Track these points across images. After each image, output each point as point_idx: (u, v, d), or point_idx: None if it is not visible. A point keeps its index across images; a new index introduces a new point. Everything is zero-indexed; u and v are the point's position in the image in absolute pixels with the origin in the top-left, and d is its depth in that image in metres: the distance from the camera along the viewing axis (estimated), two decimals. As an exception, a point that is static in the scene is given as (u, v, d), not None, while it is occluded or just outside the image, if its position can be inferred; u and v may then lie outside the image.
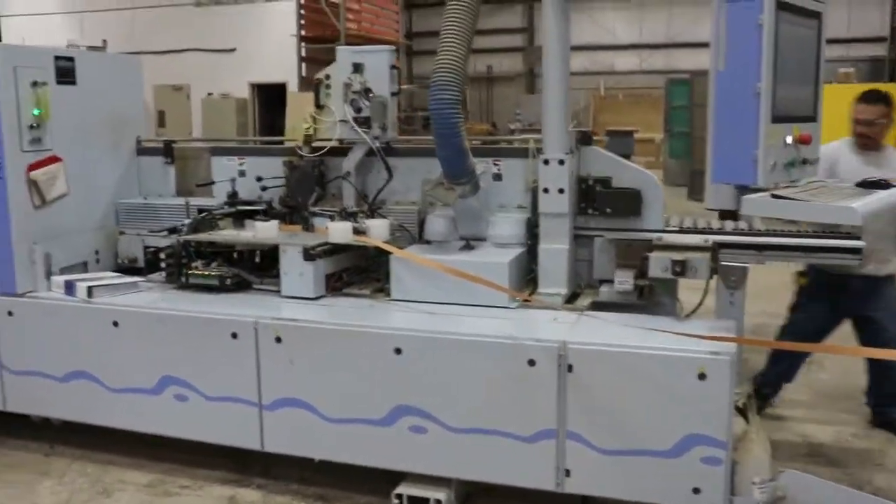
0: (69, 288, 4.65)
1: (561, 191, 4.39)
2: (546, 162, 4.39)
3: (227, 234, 4.82)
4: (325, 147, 4.90)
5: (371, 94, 4.73)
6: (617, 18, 21.26)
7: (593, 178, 4.54)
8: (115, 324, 4.49)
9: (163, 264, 4.74)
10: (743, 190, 3.73)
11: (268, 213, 5.07)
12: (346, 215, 4.75)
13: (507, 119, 20.83)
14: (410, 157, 4.96)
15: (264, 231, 4.67)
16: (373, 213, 4.85)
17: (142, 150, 5.54)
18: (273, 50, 16.21)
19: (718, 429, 3.65)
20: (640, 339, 3.84)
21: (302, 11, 15.69)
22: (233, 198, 5.11)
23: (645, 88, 21.10)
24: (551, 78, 4.37)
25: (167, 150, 5.50)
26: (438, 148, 4.28)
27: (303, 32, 15.77)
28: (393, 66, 4.77)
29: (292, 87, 15.92)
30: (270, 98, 16.03)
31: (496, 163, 4.79)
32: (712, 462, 3.66)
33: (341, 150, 4.94)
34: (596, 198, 4.52)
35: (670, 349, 3.71)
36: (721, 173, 3.60)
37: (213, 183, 5.18)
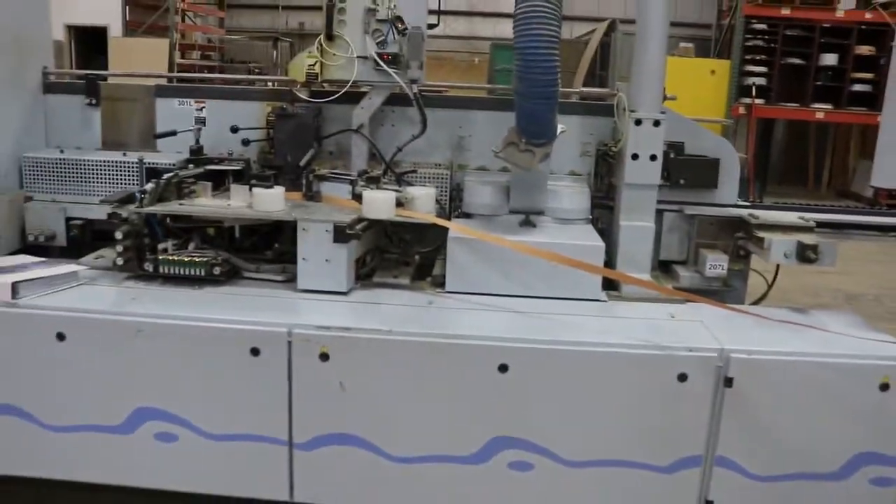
0: (-25, 284, 2.74)
1: (653, 157, 3.16)
2: (638, 122, 3.13)
3: (211, 205, 3.08)
4: (336, 91, 3.29)
5: (402, 26, 3.19)
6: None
7: (665, 144, 3.34)
8: (61, 336, 2.68)
9: (119, 246, 2.94)
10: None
11: (245, 175, 3.39)
12: (370, 180, 3.20)
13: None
14: (438, 109, 3.48)
15: (268, 201, 3.01)
16: (398, 178, 3.34)
17: (51, 86, 3.56)
18: (94, -10, 13.22)
19: (894, 445, 2.68)
20: (804, 342, 2.75)
21: (126, -50, 12.89)
22: (197, 154, 3.35)
23: (448, 52, 20.06)
24: (652, 25, 3.10)
25: (91, 88, 3.55)
26: (527, 99, 2.86)
27: (127, -26, 12.98)
28: (432, -10, 3.25)
29: (115, 31, 13.06)
30: (90, 43, 13.11)
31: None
32: (883, 483, 2.70)
33: (346, 97, 3.36)
34: (668, 166, 3.33)
35: (852, 355, 2.66)
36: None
37: (174, 133, 3.36)
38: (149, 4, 13.28)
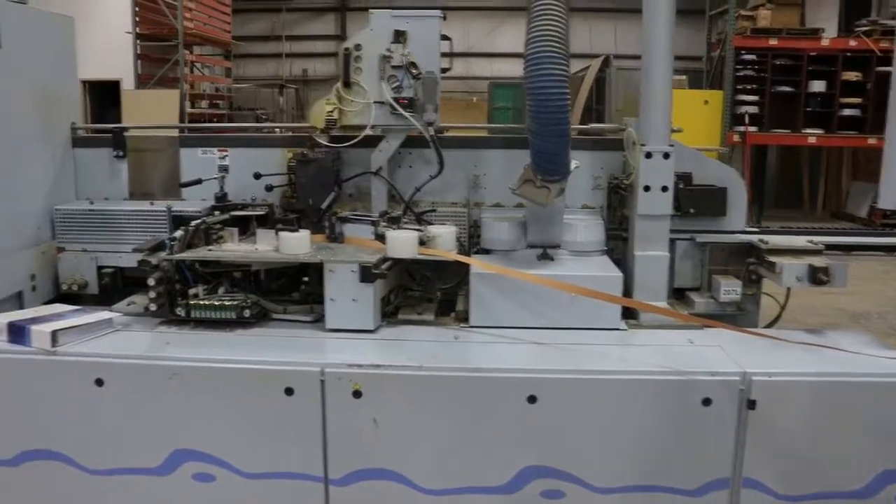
0: (16, 333, 2.75)
1: (664, 188, 3.20)
2: (649, 155, 3.17)
3: (239, 249, 3.12)
4: (355, 136, 3.34)
5: (416, 71, 3.25)
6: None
7: (675, 175, 3.37)
8: (99, 382, 2.69)
9: (151, 293, 2.96)
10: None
11: (269, 220, 3.43)
12: (391, 221, 3.24)
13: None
14: (453, 149, 3.52)
15: (294, 244, 3.05)
16: (418, 218, 3.37)
17: (79, 141, 3.62)
18: (106, 46, 13.39)
19: (918, 462, 2.67)
20: (823, 362, 2.75)
21: (137, 8, 13.11)
22: (222, 200, 3.39)
23: (446, 92, 20.38)
24: (656, 62, 3.14)
25: (118, 141, 3.61)
26: (540, 138, 2.90)
27: (138, 29, 13.19)
28: (444, 36, 3.30)
29: (128, 84, 13.23)
30: (103, 96, 13.28)
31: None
32: (909, 500, 2.68)
33: (364, 141, 3.40)
34: (678, 196, 3.36)
35: (870, 373, 2.66)
36: None
37: (199, 181, 3.41)
38: (159, 58, 13.49)
